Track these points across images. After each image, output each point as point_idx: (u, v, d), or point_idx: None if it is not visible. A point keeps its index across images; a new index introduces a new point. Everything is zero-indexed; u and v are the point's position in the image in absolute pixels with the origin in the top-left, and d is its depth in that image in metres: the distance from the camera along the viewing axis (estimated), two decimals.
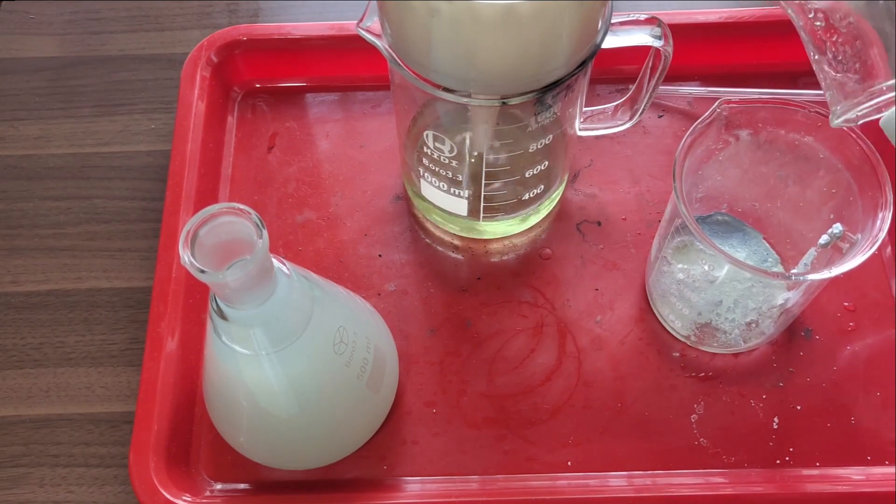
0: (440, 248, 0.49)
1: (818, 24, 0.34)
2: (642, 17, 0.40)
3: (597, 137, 0.52)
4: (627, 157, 0.52)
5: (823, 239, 0.41)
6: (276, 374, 0.35)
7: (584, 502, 0.40)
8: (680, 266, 0.43)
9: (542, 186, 0.46)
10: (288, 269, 0.34)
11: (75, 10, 0.60)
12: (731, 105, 0.40)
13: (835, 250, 0.40)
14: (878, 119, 0.36)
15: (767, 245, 0.46)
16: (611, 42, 0.39)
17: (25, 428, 0.45)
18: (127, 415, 0.45)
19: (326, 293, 0.37)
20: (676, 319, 0.45)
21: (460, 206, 0.46)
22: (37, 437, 0.44)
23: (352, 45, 0.52)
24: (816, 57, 0.35)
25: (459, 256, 0.49)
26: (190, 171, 0.48)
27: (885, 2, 0.32)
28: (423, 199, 0.47)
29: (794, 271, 0.44)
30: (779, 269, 0.45)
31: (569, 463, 0.42)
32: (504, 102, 0.37)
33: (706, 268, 0.42)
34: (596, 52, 0.38)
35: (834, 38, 0.34)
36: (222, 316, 0.32)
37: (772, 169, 0.43)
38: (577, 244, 0.49)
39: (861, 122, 0.35)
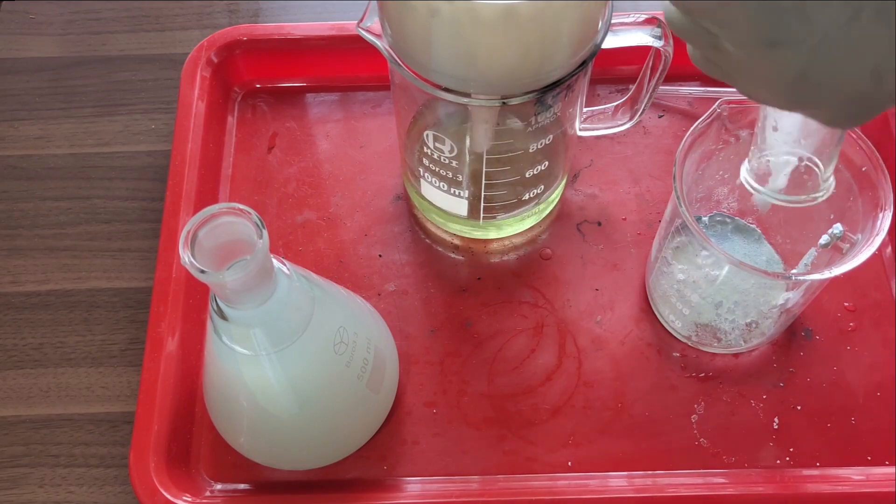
0: (440, 249, 0.49)
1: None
2: (642, 17, 0.40)
3: (597, 137, 0.52)
4: (627, 157, 0.52)
5: (823, 239, 0.41)
6: (277, 375, 0.35)
7: (585, 502, 0.40)
8: (680, 266, 0.43)
9: (542, 186, 0.46)
10: (288, 269, 0.34)
11: (75, 10, 0.60)
12: (731, 105, 0.40)
13: (835, 250, 0.40)
14: (878, 119, 0.36)
15: (768, 245, 0.46)
16: (611, 42, 0.39)
17: (25, 428, 0.45)
18: (127, 415, 0.45)
19: (326, 293, 0.37)
20: (677, 320, 0.45)
21: (460, 206, 0.46)
22: (37, 438, 0.44)
23: (352, 45, 0.52)
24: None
25: (459, 256, 0.49)
26: (190, 171, 0.48)
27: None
28: (424, 199, 0.47)
29: (794, 271, 0.44)
30: (779, 269, 0.45)
31: (569, 463, 0.42)
32: (504, 103, 0.37)
33: (706, 268, 0.42)
34: (596, 52, 0.38)
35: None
36: (222, 316, 0.32)
37: None
38: (577, 244, 0.49)
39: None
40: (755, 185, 0.37)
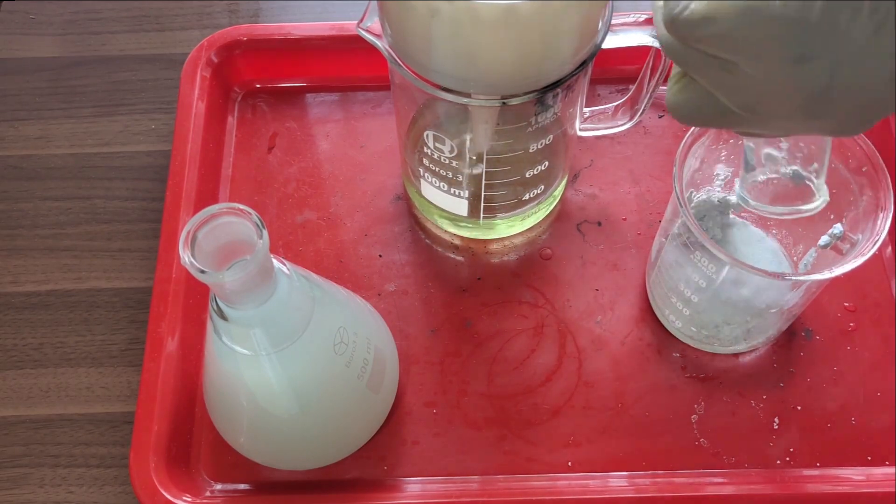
0: (440, 249, 0.49)
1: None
2: (642, 17, 0.40)
3: (597, 137, 0.52)
4: (628, 157, 0.52)
5: (824, 239, 0.41)
6: (277, 375, 0.35)
7: (585, 502, 0.40)
8: (680, 266, 0.43)
9: (543, 186, 0.46)
10: (288, 269, 0.34)
11: (75, 10, 0.60)
12: None
13: (835, 250, 0.40)
14: (880, 124, 0.37)
15: (770, 244, 0.46)
16: (611, 42, 0.39)
17: (25, 428, 0.45)
18: (127, 415, 0.45)
19: (326, 293, 0.37)
20: (677, 320, 0.45)
21: (460, 206, 0.46)
22: (37, 438, 0.44)
23: (352, 45, 0.52)
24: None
25: (459, 257, 0.49)
26: (190, 171, 0.48)
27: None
28: (424, 199, 0.47)
29: (794, 272, 0.44)
30: (782, 269, 0.45)
31: (569, 463, 0.42)
32: (504, 103, 0.37)
33: (706, 268, 0.42)
34: (596, 52, 0.38)
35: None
36: (222, 316, 0.32)
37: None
38: (577, 244, 0.49)
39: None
40: (753, 203, 0.38)
